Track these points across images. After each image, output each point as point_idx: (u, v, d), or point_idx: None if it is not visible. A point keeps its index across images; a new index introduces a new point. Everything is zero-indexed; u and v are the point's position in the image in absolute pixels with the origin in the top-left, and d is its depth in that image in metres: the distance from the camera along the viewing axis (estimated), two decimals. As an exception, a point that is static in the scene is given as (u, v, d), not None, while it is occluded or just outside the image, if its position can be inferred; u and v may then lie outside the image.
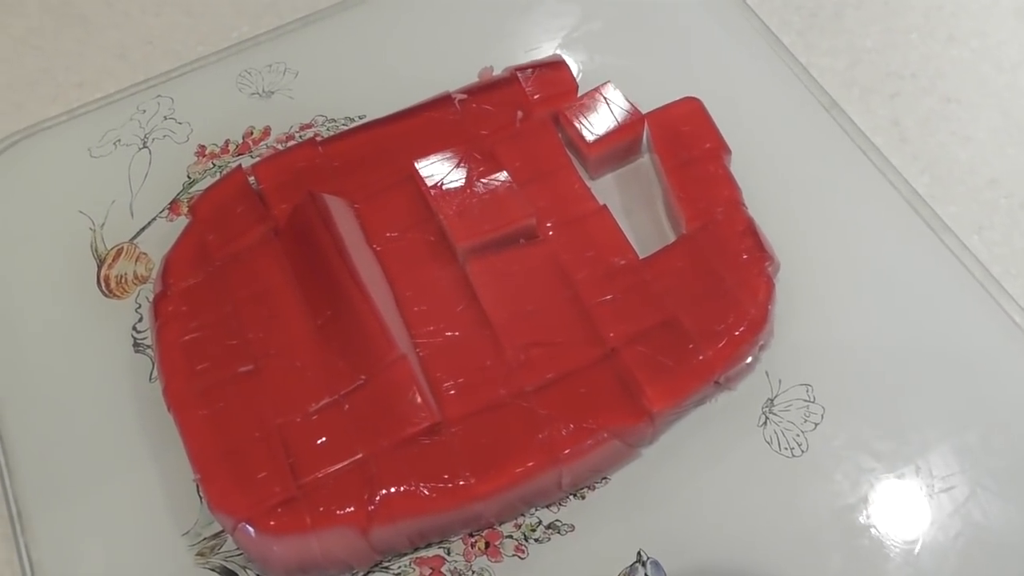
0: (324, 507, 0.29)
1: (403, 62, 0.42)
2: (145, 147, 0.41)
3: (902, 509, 0.30)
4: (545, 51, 0.42)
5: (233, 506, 0.29)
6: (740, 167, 0.36)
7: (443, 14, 0.43)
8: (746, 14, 0.42)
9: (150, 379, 0.35)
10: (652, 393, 0.30)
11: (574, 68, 0.39)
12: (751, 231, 0.33)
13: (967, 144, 0.39)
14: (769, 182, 0.36)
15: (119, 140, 0.41)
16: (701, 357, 0.31)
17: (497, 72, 0.39)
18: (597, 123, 0.36)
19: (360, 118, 0.40)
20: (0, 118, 0.43)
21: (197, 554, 0.31)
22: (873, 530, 0.30)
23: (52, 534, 0.32)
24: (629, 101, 0.37)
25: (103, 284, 0.37)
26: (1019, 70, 0.41)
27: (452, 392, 0.31)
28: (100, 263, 0.38)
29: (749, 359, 0.32)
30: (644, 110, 0.37)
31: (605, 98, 0.37)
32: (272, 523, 0.29)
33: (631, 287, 0.32)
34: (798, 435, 0.32)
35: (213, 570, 0.31)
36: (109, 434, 0.34)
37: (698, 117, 0.36)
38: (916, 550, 0.30)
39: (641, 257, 0.34)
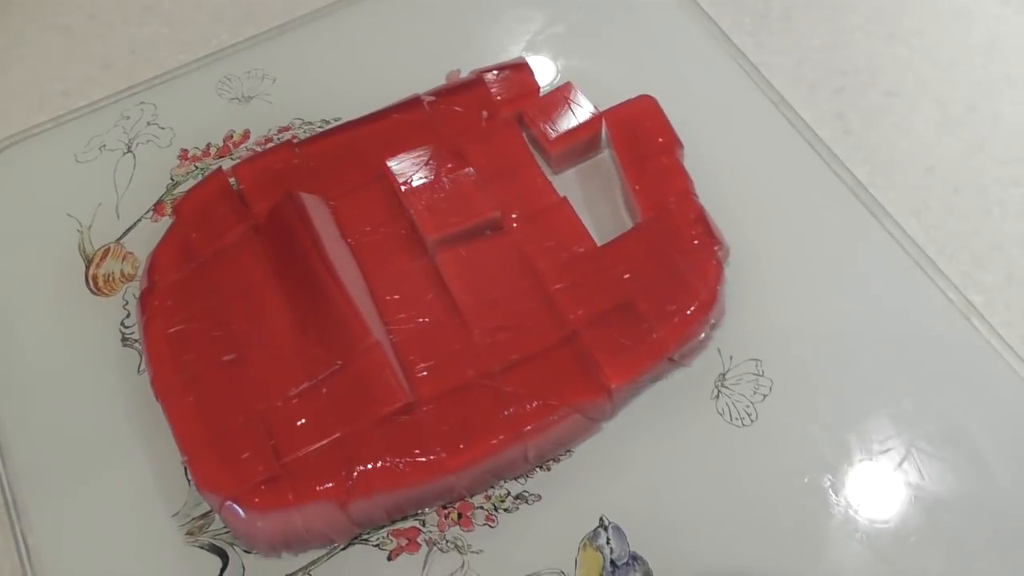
0: (305, 484, 0.31)
1: (376, 66, 0.44)
2: (130, 151, 0.43)
3: (844, 471, 0.33)
4: (511, 54, 0.44)
5: (219, 485, 0.31)
6: (693, 160, 0.38)
7: (414, 21, 0.46)
8: (699, 17, 0.45)
9: (138, 371, 0.36)
10: (610, 370, 0.32)
11: (538, 69, 0.41)
12: (701, 219, 0.36)
13: (906, 135, 0.41)
14: (720, 173, 0.39)
15: (104, 145, 0.43)
16: (655, 336, 0.33)
17: (464, 75, 0.41)
18: (558, 121, 0.39)
19: (335, 120, 0.42)
20: (-12, 127, 0.45)
21: (187, 533, 0.33)
22: (818, 491, 0.32)
23: (48, 520, 0.34)
24: (588, 100, 0.39)
25: (91, 283, 0.39)
26: (955, 67, 0.43)
27: (424, 374, 0.33)
28: (88, 263, 0.40)
29: (701, 336, 0.35)
30: (603, 108, 0.40)
31: (566, 98, 0.39)
32: (256, 500, 0.31)
33: (590, 273, 0.35)
34: (748, 406, 0.34)
35: (202, 547, 0.33)
36: (100, 424, 0.35)
37: (652, 114, 0.38)
38: (859, 509, 0.32)
39: (599, 245, 0.36)
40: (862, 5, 0.46)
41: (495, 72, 0.40)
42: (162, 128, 0.43)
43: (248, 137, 0.43)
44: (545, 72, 0.43)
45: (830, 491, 0.32)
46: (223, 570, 0.32)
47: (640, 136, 0.38)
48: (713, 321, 0.35)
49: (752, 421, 0.34)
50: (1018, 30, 0.44)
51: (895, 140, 0.41)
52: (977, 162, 0.40)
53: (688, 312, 0.34)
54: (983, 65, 0.43)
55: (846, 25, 0.45)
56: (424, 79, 0.42)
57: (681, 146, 0.38)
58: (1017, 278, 0.37)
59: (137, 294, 0.38)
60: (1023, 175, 0.39)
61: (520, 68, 0.40)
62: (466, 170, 0.36)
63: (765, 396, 0.34)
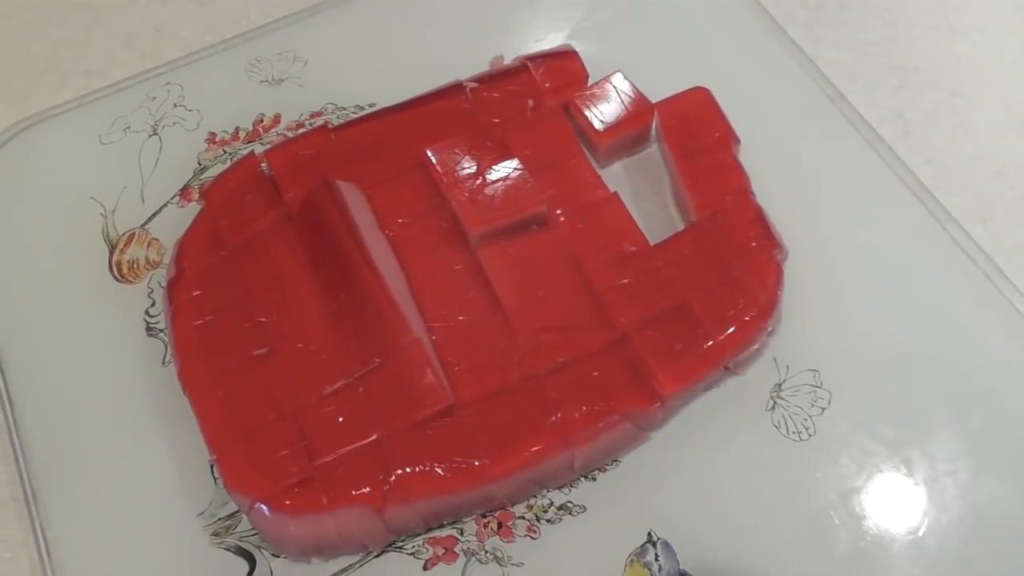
0: (340, 487, 0.29)
1: (412, 51, 0.42)
2: (155, 134, 0.41)
3: (907, 492, 0.31)
4: (554, 41, 0.42)
5: (249, 486, 0.30)
6: (748, 156, 0.37)
7: (453, 3, 0.44)
8: (752, 6, 0.43)
9: (163, 362, 0.35)
10: (663, 377, 0.31)
11: (583, 58, 0.40)
12: (760, 219, 0.34)
13: (970, 136, 0.39)
14: (776, 171, 0.37)
15: (129, 127, 0.41)
16: (711, 342, 0.31)
17: (507, 61, 0.40)
18: (607, 112, 0.37)
19: (370, 106, 0.40)
20: (8, 106, 0.43)
21: (212, 534, 0.31)
22: (878, 512, 0.31)
23: (68, 515, 0.32)
24: (638, 91, 0.37)
25: (115, 269, 0.37)
26: (1020, 64, 0.41)
27: (465, 375, 0.31)
28: (112, 249, 0.38)
29: (757, 345, 0.33)
30: (653, 100, 0.38)
31: (615, 87, 0.37)
32: (288, 502, 0.29)
33: (641, 273, 0.33)
34: (805, 419, 0.32)
35: (228, 550, 0.31)
36: (123, 417, 0.34)
37: (707, 107, 0.36)
38: (921, 532, 0.30)
39: (651, 244, 0.34)
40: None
41: (541, 59, 0.38)
42: (189, 110, 0.41)
43: (279, 121, 0.41)
44: (589, 60, 0.41)
45: (891, 512, 0.30)
46: (250, 574, 0.31)
47: (694, 130, 0.36)
48: (770, 328, 0.33)
49: (810, 436, 0.32)
50: (1087, 29, 0.42)
51: (959, 142, 0.39)
52: (1046, 167, 0.38)
53: (746, 318, 0.32)
54: (1051, 65, 0.41)
55: (904, 20, 0.43)
56: (462, 66, 0.40)
57: (738, 141, 0.36)
58: (1090, 290, 0.35)
59: (163, 282, 0.36)
60: (1095, 182, 0.38)
61: (568, 56, 0.38)
62: (511, 161, 0.35)
63: (823, 409, 0.32)
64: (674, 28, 0.43)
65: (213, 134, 0.41)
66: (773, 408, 0.33)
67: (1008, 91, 0.40)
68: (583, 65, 0.38)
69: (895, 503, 0.31)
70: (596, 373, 0.31)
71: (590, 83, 0.38)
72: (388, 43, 0.43)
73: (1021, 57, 0.41)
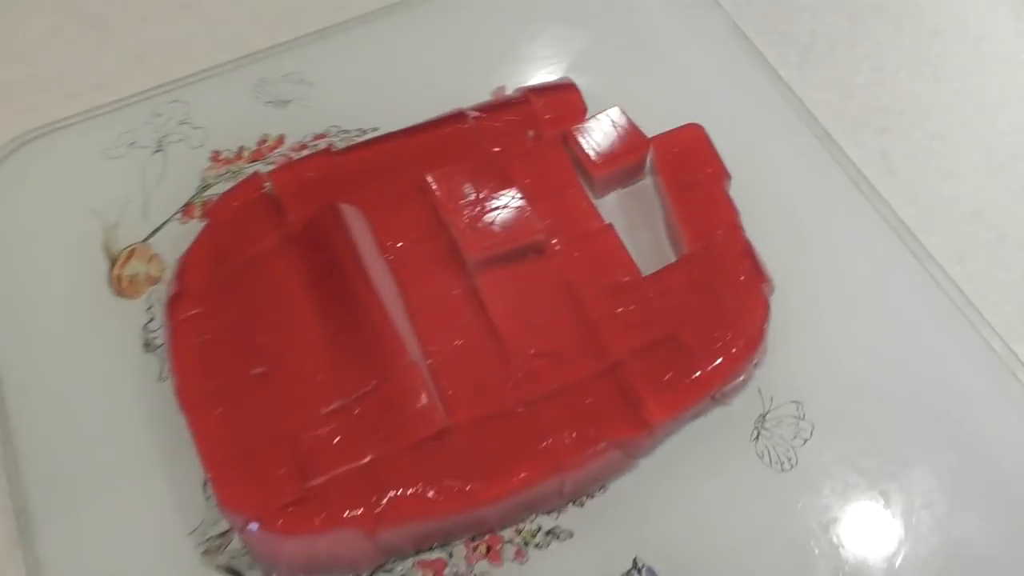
0: (333, 509, 0.30)
1: (416, 78, 0.43)
2: (160, 150, 0.42)
3: (885, 524, 0.32)
4: (555, 73, 0.43)
5: (243, 505, 0.30)
6: (739, 192, 0.38)
7: (457, 33, 0.45)
8: (745, 46, 0.44)
9: (159, 378, 0.35)
10: (652, 406, 0.32)
11: (582, 90, 0.41)
12: (749, 253, 0.35)
13: (950, 178, 0.41)
14: (765, 206, 0.38)
15: (134, 142, 0.42)
16: (699, 373, 0.32)
17: (509, 92, 0.41)
18: (604, 145, 0.38)
19: (373, 130, 0.41)
20: (15, 117, 0.43)
21: (203, 553, 0.32)
22: (857, 543, 0.32)
23: (58, 531, 0.32)
24: (635, 125, 0.39)
25: (114, 283, 0.38)
26: (998, 110, 0.43)
27: (460, 399, 0.32)
28: (112, 263, 0.38)
29: (743, 376, 0.34)
30: (648, 133, 0.39)
31: (612, 121, 0.39)
32: (281, 522, 0.30)
33: (634, 303, 0.34)
34: (788, 450, 0.33)
35: (219, 568, 0.32)
36: (117, 433, 0.34)
37: (700, 143, 0.38)
38: (898, 563, 0.31)
39: (643, 274, 0.35)
40: (907, 44, 0.45)
41: (542, 91, 0.39)
42: (194, 128, 0.42)
43: (283, 142, 0.42)
44: (588, 93, 0.42)
45: (870, 543, 0.31)
46: (240, 592, 0.31)
47: (688, 165, 0.37)
48: (756, 360, 0.34)
49: (792, 466, 0.33)
50: (1063, 79, 0.44)
51: (939, 184, 0.41)
52: (1022, 210, 0.40)
53: (734, 350, 0.33)
54: (1029, 113, 0.43)
55: (890, 64, 0.45)
56: (465, 94, 0.41)
57: (729, 177, 0.37)
58: (1062, 332, 0.36)
59: (163, 298, 0.37)
60: (1069, 227, 0.39)
61: (568, 88, 0.39)
62: (511, 189, 0.36)
63: (806, 440, 0.33)
64: (671, 64, 0.44)
65: (217, 152, 0.41)
66: (757, 438, 0.34)
67: (986, 135, 0.42)
68: (582, 98, 0.40)
69: (873, 534, 0.32)
70: (588, 400, 0.32)
71: (589, 116, 0.39)
72: (393, 69, 0.44)
73: (999, 104, 0.43)
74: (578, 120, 0.39)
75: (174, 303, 0.35)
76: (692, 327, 0.33)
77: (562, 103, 0.39)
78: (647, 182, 0.40)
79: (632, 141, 0.38)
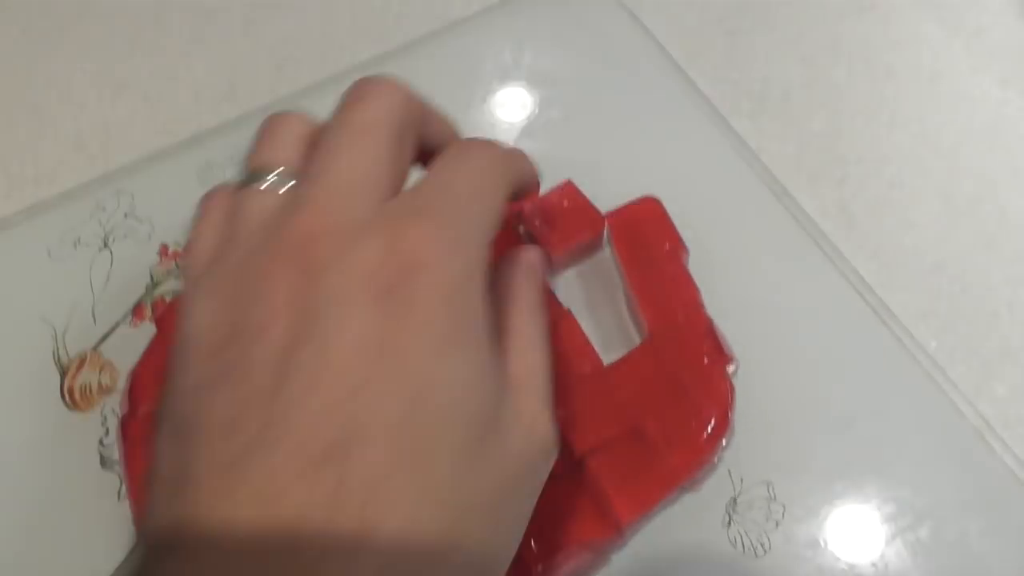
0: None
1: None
2: (106, 247, 0.40)
3: (860, 604, 0.32)
4: (506, 138, 0.42)
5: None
6: (698, 261, 0.37)
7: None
8: (699, 101, 0.44)
9: (118, 498, 0.34)
10: (620, 505, 0.31)
11: (534, 155, 0.40)
12: (711, 332, 0.35)
13: (911, 230, 0.40)
14: (726, 277, 0.38)
15: (79, 240, 0.41)
16: (667, 465, 0.32)
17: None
18: (558, 223, 0.37)
19: (324, 214, 0.40)
20: (-47, 217, 0.42)
21: None
22: (834, 625, 0.31)
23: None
24: (588, 201, 0.38)
25: (67, 396, 0.37)
26: (957, 153, 0.43)
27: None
28: (63, 373, 0.37)
29: (714, 460, 0.33)
30: (603, 199, 0.38)
31: (566, 197, 0.38)
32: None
33: (596, 396, 0.33)
34: (761, 535, 0.33)
35: None
36: (75, 556, 0.33)
37: (657, 217, 0.37)
38: (874, 644, 0.31)
39: (605, 356, 0.35)
40: (862, 88, 0.45)
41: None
42: (140, 221, 0.41)
43: (232, 231, 0.41)
44: (540, 157, 0.41)
45: (847, 628, 0.31)
46: None
47: (645, 241, 0.37)
48: (724, 443, 0.34)
49: (765, 551, 0.33)
50: (1020, 114, 0.44)
51: (900, 235, 0.40)
52: (984, 259, 0.39)
53: (701, 439, 0.32)
54: (986, 153, 0.43)
55: (846, 109, 0.44)
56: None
57: (687, 251, 0.37)
58: (1028, 388, 0.36)
59: (116, 409, 0.36)
60: (1030, 274, 0.39)
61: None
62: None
63: (778, 523, 0.33)
64: (623, 125, 0.43)
65: (165, 246, 0.40)
66: (729, 524, 0.33)
67: (944, 182, 0.42)
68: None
69: (849, 615, 0.32)
70: (554, 502, 0.31)
71: (540, 182, 0.38)
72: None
73: (956, 147, 0.43)
74: (531, 197, 0.38)
75: (127, 424, 0.34)
76: (657, 418, 0.33)
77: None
78: (606, 253, 0.39)
79: (587, 218, 0.37)
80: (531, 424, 0.24)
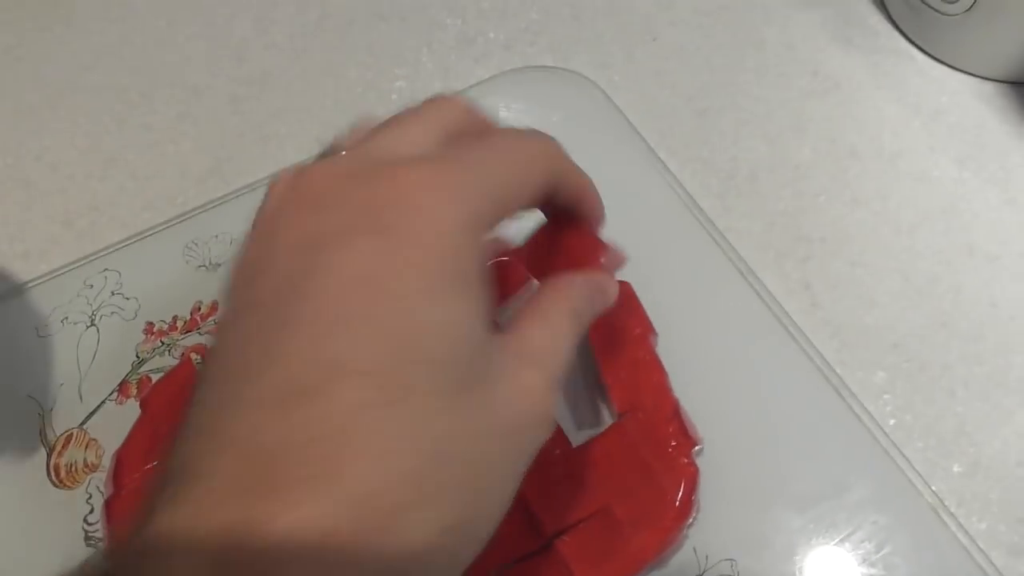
0: None
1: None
2: (93, 325, 0.42)
3: None
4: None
5: None
6: (666, 343, 0.39)
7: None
8: (669, 180, 0.45)
9: (102, 578, 0.35)
10: (588, 587, 0.32)
11: (506, 236, 0.41)
12: (677, 416, 0.36)
13: (872, 309, 0.42)
14: (693, 357, 0.39)
15: (67, 318, 0.42)
16: (632, 546, 0.33)
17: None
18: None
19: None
20: (-57, 292, 0.43)
21: None
22: None
23: None
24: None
25: (52, 473, 0.38)
26: (916, 231, 0.44)
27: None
28: (49, 451, 0.38)
29: (679, 539, 0.35)
30: (576, 277, 0.40)
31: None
32: None
33: (565, 477, 0.35)
34: (724, 614, 0.34)
35: None
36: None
37: (628, 302, 0.39)
38: None
39: (578, 435, 0.36)
40: (825, 166, 0.47)
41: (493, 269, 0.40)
42: (127, 299, 0.42)
43: (216, 309, 0.42)
44: (512, 233, 0.43)
45: None
46: None
47: (616, 326, 0.38)
48: (690, 523, 0.35)
49: (729, 631, 0.34)
50: (974, 193, 0.46)
51: (861, 314, 0.42)
52: (940, 338, 0.41)
53: (666, 520, 0.34)
54: (944, 232, 0.44)
55: (810, 188, 0.46)
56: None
57: (656, 335, 0.38)
58: (983, 466, 0.38)
59: (101, 487, 0.37)
60: (986, 352, 0.41)
61: (508, 265, 0.40)
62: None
63: (741, 602, 0.34)
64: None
65: (151, 324, 0.42)
66: (694, 603, 0.34)
67: (904, 260, 0.44)
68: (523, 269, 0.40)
69: None
70: (526, 582, 0.33)
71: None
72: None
73: (916, 226, 0.45)
74: (521, 284, 0.39)
75: (112, 504, 0.35)
76: (623, 499, 0.34)
77: (506, 275, 0.39)
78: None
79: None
80: (526, 390, 0.24)
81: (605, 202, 0.45)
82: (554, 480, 0.35)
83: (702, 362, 0.39)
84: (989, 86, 0.49)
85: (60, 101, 0.51)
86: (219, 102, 0.50)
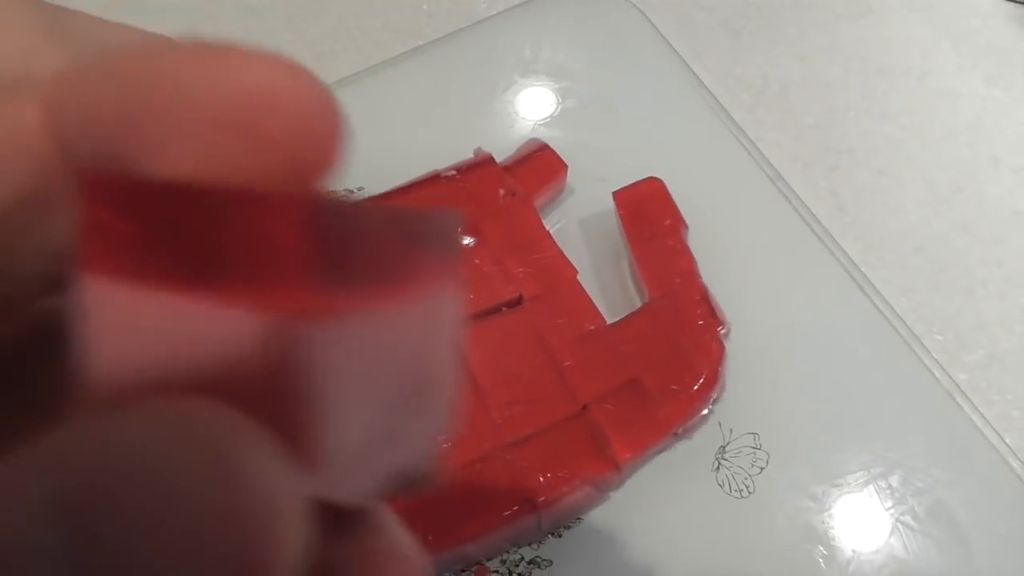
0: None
1: (384, 142, 0.46)
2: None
3: (835, 545, 0.35)
4: (524, 127, 0.46)
5: None
6: (697, 237, 0.41)
7: (433, 93, 0.48)
8: (703, 94, 0.47)
9: None
10: (619, 445, 0.35)
11: (551, 142, 0.44)
12: (705, 299, 0.38)
13: (896, 214, 0.44)
14: (722, 251, 0.41)
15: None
16: (661, 413, 0.36)
17: (485, 149, 0.44)
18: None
19: (359, 189, 0.44)
20: None
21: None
22: (811, 565, 0.35)
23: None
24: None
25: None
26: (940, 145, 0.46)
27: (443, 447, 0.35)
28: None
29: (703, 412, 0.37)
30: (612, 180, 0.42)
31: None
32: None
33: (599, 350, 0.37)
34: (746, 479, 0.36)
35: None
36: None
37: (659, 196, 0.41)
38: (847, 579, 0.34)
39: (609, 320, 0.38)
40: (855, 84, 0.48)
41: (521, 161, 0.42)
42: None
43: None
44: (556, 144, 0.45)
45: (822, 564, 0.35)
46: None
47: (648, 217, 0.40)
48: (715, 397, 0.37)
49: (750, 493, 0.36)
50: (1002, 110, 0.47)
51: (885, 219, 0.44)
52: (963, 242, 0.43)
53: (692, 391, 0.36)
54: (969, 145, 0.46)
55: (839, 104, 0.48)
56: (435, 155, 0.44)
57: (686, 227, 0.41)
58: (998, 358, 0.39)
59: None
60: (1005, 256, 0.42)
61: (542, 150, 0.42)
62: (483, 248, 0.39)
63: (762, 469, 0.37)
64: (631, 114, 0.47)
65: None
66: (718, 468, 0.37)
67: (930, 171, 0.45)
68: (558, 156, 0.42)
69: (826, 556, 0.35)
70: (560, 442, 0.35)
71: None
72: (373, 130, 0.47)
73: (941, 139, 0.46)
74: (557, 177, 0.42)
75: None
76: (653, 371, 0.36)
77: (540, 165, 0.42)
78: (613, 226, 0.43)
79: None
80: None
81: (642, 114, 0.47)
82: (589, 353, 0.37)
83: (732, 256, 0.41)
84: (1022, 10, 0.50)
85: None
86: (278, 21, 0.53)
